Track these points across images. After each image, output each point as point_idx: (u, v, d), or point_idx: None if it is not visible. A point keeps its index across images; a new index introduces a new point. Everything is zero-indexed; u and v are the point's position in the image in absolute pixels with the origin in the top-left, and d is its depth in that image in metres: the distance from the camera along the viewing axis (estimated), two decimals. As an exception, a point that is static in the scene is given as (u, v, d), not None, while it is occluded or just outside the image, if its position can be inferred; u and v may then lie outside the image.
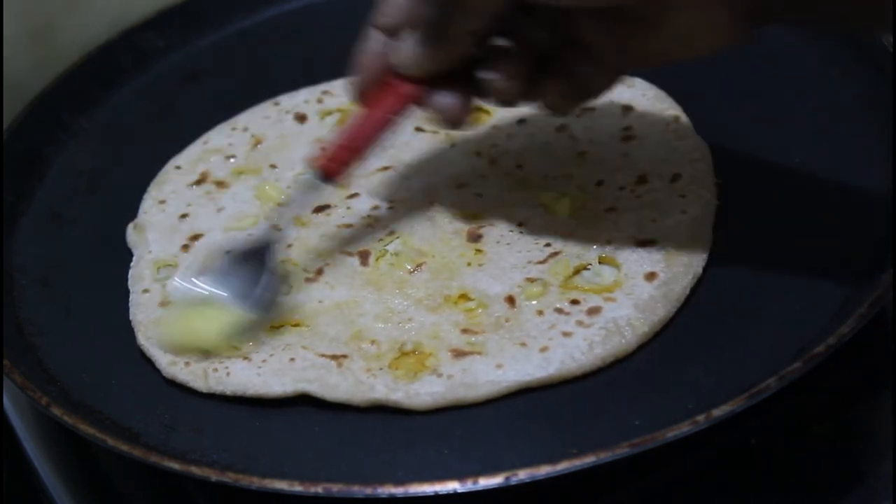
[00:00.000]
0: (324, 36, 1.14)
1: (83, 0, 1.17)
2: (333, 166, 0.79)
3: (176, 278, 0.85)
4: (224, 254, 0.82)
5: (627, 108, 0.95)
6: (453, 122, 0.77)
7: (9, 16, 1.11)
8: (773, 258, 0.80)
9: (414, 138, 0.97)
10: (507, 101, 0.78)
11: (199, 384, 0.78)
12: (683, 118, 0.94)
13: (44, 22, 1.15)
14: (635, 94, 0.97)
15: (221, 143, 1.01)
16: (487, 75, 0.76)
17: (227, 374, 0.78)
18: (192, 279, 0.81)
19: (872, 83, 0.89)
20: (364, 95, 0.79)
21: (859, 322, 0.70)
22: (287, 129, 1.01)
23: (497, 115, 0.98)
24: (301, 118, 1.03)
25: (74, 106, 1.08)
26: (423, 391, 0.74)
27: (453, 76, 0.76)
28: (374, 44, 0.78)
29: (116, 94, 1.11)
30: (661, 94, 0.97)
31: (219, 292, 0.79)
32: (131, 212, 0.96)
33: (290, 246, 0.87)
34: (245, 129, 1.02)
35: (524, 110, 0.97)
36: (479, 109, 0.99)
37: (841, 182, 0.84)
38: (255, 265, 0.80)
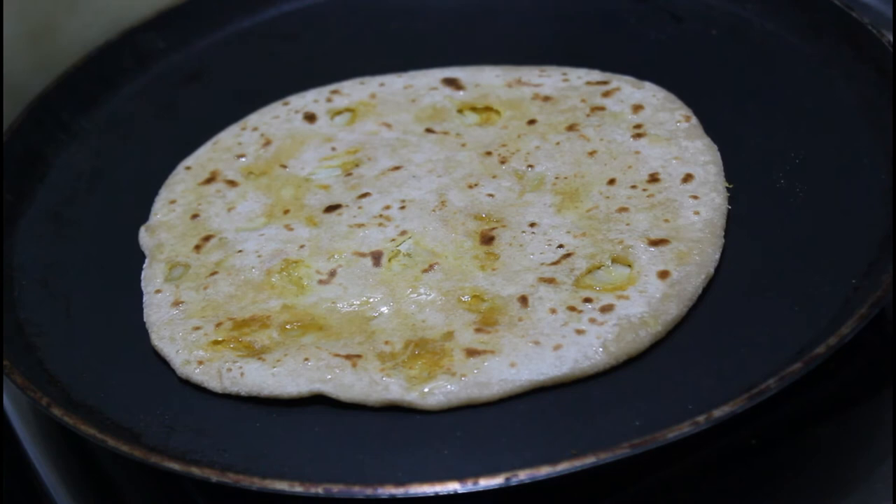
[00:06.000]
0: (323, 37, 1.14)
1: (83, 0, 1.17)
2: None
3: None
4: None
5: (638, 107, 0.95)
6: None
7: (9, 16, 1.11)
8: (772, 258, 0.80)
9: (424, 139, 0.97)
10: None
11: (214, 385, 0.78)
12: (693, 119, 0.94)
13: (44, 22, 1.15)
14: (645, 95, 0.97)
15: (231, 143, 1.01)
16: None
17: (242, 374, 0.77)
18: None
19: (872, 83, 0.89)
20: None
21: (859, 322, 0.70)
22: (297, 129, 1.01)
23: (506, 115, 0.98)
24: (310, 117, 1.02)
25: (74, 106, 1.08)
26: (438, 391, 0.74)
27: None
28: None
29: (116, 94, 1.11)
30: (671, 95, 0.97)
31: None
32: (132, 212, 0.96)
33: (302, 247, 0.87)
34: (255, 129, 1.02)
35: (534, 110, 0.97)
36: (489, 109, 0.99)
37: (841, 182, 0.84)
38: None
